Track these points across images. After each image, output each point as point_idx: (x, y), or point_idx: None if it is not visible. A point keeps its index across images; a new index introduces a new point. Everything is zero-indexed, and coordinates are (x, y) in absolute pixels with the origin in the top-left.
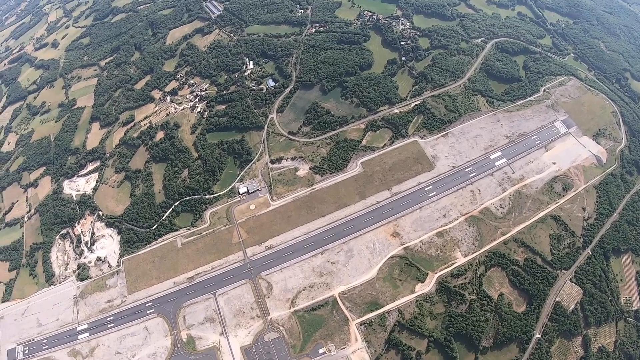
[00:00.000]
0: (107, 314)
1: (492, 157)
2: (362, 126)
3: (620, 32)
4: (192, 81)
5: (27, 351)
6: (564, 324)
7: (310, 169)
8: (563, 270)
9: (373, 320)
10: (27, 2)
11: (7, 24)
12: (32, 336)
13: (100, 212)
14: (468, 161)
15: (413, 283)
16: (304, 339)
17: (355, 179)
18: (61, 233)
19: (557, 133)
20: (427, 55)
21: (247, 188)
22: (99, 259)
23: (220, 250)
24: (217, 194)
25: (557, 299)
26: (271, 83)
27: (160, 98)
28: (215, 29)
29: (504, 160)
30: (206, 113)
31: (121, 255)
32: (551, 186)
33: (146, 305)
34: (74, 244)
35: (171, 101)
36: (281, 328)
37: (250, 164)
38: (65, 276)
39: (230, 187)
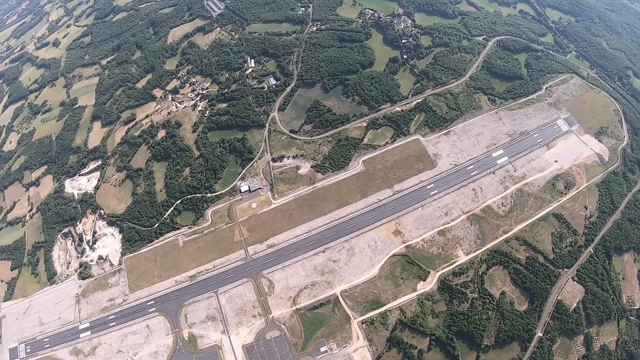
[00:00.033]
0: (109, 312)
1: (494, 155)
2: (364, 124)
3: (622, 30)
4: (193, 80)
5: (29, 350)
6: (565, 322)
7: (311, 167)
8: (565, 269)
9: (375, 318)
10: (28, 2)
11: (8, 24)
12: (34, 335)
13: (101, 211)
14: (470, 159)
15: (415, 281)
16: (306, 338)
17: (357, 177)
18: (63, 232)
19: (559, 131)
20: (429, 53)
21: (249, 186)
22: (100, 257)
23: (222, 248)
24: (219, 193)
25: (559, 298)
26: (272, 81)
27: (161, 97)
28: (217, 27)
29: (506, 158)
30: (207, 111)
31: (123, 254)
32: (553, 184)
33: (148, 303)
34: (76, 243)
35: (172, 100)
36: (283, 326)
37: (251, 163)
38: (67, 275)
39: (231, 185)
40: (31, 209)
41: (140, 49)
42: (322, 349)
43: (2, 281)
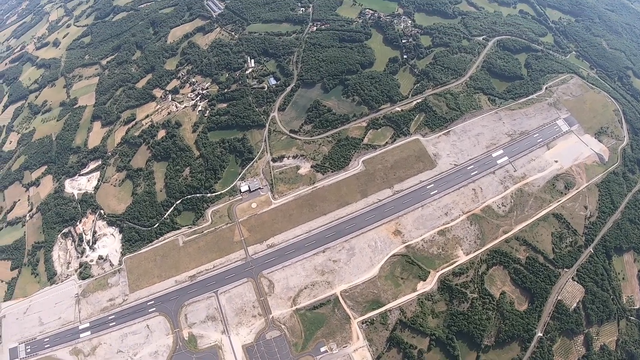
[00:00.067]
0: (109, 312)
1: (494, 155)
2: (364, 124)
3: (622, 30)
4: (193, 80)
5: (29, 350)
6: (565, 322)
7: (311, 167)
8: (565, 269)
9: (375, 318)
10: (28, 2)
11: (8, 24)
12: (34, 335)
13: (101, 211)
14: (470, 159)
15: (415, 281)
16: (306, 338)
17: (357, 177)
18: (63, 232)
19: (559, 131)
20: (429, 53)
21: (249, 186)
22: (100, 257)
23: (222, 248)
24: (219, 193)
25: (559, 298)
26: (272, 81)
27: (161, 97)
28: (217, 27)
29: (506, 158)
30: (207, 111)
31: (123, 254)
32: (553, 184)
33: (148, 303)
34: (76, 243)
35: (172, 100)
36: (283, 326)
37: (251, 163)
38: (67, 275)
39: (231, 185)
40: (31, 209)
41: (140, 49)
42: (322, 349)
43: (2, 281)
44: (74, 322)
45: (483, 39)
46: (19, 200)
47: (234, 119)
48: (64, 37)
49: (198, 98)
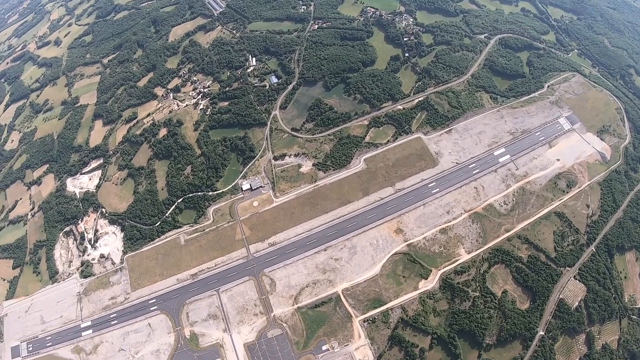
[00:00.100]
0: (111, 310)
1: (495, 153)
2: (366, 122)
3: (624, 28)
4: (194, 78)
5: (30, 348)
6: (567, 321)
7: (313, 165)
8: (567, 268)
9: (376, 317)
10: (29, 1)
11: (9, 23)
12: (35, 333)
13: (103, 210)
14: (472, 157)
15: (416, 280)
16: (307, 336)
17: (359, 175)
18: (64, 230)
19: (561, 129)
20: (431, 51)
21: (250, 185)
22: (102, 256)
23: (224, 247)
24: (220, 191)
25: (560, 296)
26: (274, 79)
27: (163, 95)
28: (218, 25)
29: (508, 156)
30: (209, 110)
31: (124, 252)
32: (555, 183)
33: (149, 302)
34: (78, 242)
35: (174, 98)
36: (284, 325)
37: (253, 161)
38: (69, 273)
39: (233, 183)
40: (33, 208)
41: (142, 48)
42: (324, 348)
43: (3, 280)
44: (75, 320)
45: (485, 37)
46: (20, 199)
47: (235, 118)
48: (65, 36)
49: (199, 96)
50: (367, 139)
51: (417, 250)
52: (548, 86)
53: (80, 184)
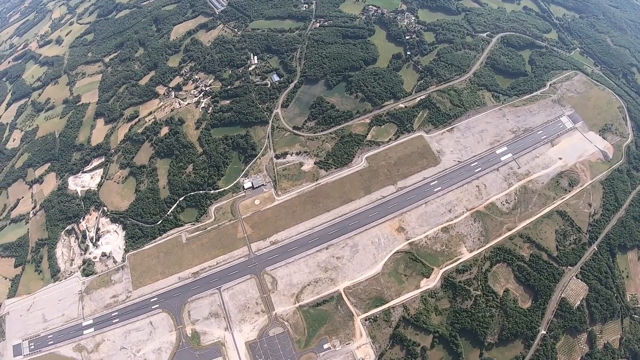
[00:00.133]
0: (112, 309)
1: (497, 152)
2: (367, 121)
3: (626, 27)
4: (196, 76)
5: (32, 346)
6: (569, 320)
7: (315, 163)
8: (569, 266)
9: (378, 315)
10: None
11: (11, 22)
12: (37, 332)
13: (105, 208)
14: (474, 156)
15: (418, 278)
16: (309, 334)
17: (360, 173)
18: (66, 229)
19: (563, 128)
20: (432, 49)
21: (252, 183)
22: (104, 254)
23: (225, 245)
24: (222, 189)
25: (562, 295)
26: (276, 78)
27: (164, 94)
28: (219, 24)
29: (510, 155)
30: (210, 108)
31: (126, 251)
32: (557, 181)
33: (151, 300)
34: (79, 240)
35: (175, 97)
36: (286, 323)
37: (254, 159)
38: (71, 272)
39: (234, 182)
40: (35, 206)
41: (143, 46)
42: (325, 346)
43: (5, 278)
44: (77, 318)
45: (487, 35)
46: (22, 197)
47: (237, 116)
48: (66, 35)
49: (201, 95)
50: (368, 137)
51: (418, 249)
52: (550, 85)
53: (82, 182)
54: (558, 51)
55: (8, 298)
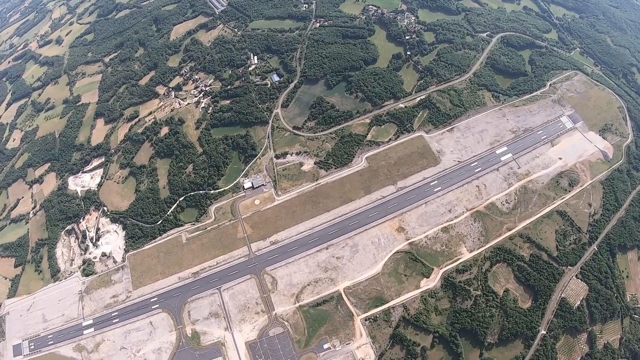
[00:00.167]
0: (112, 309)
1: (497, 152)
2: (367, 121)
3: (626, 27)
4: (196, 76)
5: (32, 346)
6: (569, 320)
7: (315, 163)
8: (569, 266)
9: (378, 315)
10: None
11: (11, 22)
12: (37, 331)
13: (105, 208)
14: (474, 156)
15: (418, 278)
16: (309, 334)
17: (360, 173)
18: (66, 229)
19: (563, 128)
20: (432, 49)
21: (252, 183)
22: (104, 254)
23: (225, 245)
24: (222, 189)
25: (562, 295)
26: (276, 78)
27: (164, 94)
28: (219, 24)
29: (510, 155)
30: (210, 108)
31: (126, 251)
32: (557, 181)
33: (151, 300)
34: (79, 240)
35: (175, 97)
36: (286, 323)
37: (254, 159)
38: (71, 272)
39: (234, 182)
40: (35, 206)
41: (143, 46)
42: (325, 346)
43: (5, 278)
44: (77, 318)
45: (487, 35)
46: (22, 197)
47: (237, 116)
48: (66, 35)
49: (201, 95)
50: (368, 137)
51: (418, 249)
52: (550, 84)
53: (82, 182)
54: (558, 51)
55: (8, 298)
